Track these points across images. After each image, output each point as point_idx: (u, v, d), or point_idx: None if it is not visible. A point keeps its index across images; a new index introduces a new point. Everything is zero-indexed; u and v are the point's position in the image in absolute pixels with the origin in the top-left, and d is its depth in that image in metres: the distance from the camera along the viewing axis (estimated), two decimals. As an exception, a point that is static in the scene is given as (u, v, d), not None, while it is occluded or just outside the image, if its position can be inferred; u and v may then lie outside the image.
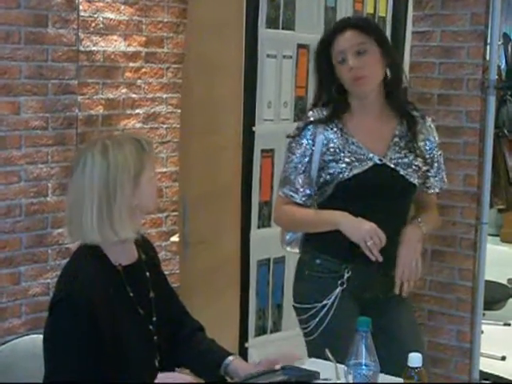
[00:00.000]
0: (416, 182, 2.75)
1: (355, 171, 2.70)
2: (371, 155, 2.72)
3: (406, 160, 2.74)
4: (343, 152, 2.72)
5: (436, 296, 3.82)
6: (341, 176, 2.71)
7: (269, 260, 3.77)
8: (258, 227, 3.71)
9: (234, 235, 3.64)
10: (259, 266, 3.73)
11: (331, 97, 2.78)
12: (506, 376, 4.67)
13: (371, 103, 2.76)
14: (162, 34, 3.89)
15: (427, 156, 2.79)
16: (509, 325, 5.77)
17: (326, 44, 2.75)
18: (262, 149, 3.69)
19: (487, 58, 3.76)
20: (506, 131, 5.21)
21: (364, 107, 2.77)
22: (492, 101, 3.75)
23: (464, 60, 3.74)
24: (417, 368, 2.00)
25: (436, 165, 2.83)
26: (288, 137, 2.85)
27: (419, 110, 2.85)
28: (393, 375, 2.22)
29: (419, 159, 2.76)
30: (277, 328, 3.79)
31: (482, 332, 3.97)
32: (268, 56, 3.68)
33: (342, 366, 2.11)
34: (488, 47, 3.77)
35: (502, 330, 5.68)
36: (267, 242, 3.63)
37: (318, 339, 2.74)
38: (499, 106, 5.07)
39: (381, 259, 2.65)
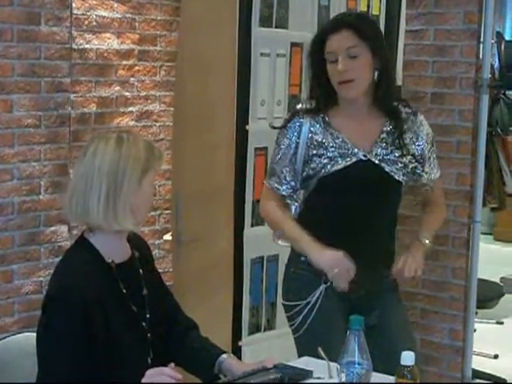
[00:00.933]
0: (401, 178, 2.74)
1: (337, 166, 2.71)
2: (356, 150, 2.72)
3: (391, 157, 2.73)
4: (327, 147, 2.73)
5: (429, 294, 3.82)
6: (323, 171, 2.72)
7: (262, 258, 3.77)
8: (252, 225, 3.71)
9: (228, 233, 3.64)
10: (253, 264, 3.74)
11: (321, 91, 2.77)
12: (498, 374, 4.68)
13: (359, 104, 2.76)
14: (155, 32, 3.88)
15: (417, 153, 2.79)
16: (501, 323, 5.78)
17: (320, 40, 2.74)
18: (256, 147, 3.69)
19: (480, 56, 3.76)
20: (499, 130, 5.22)
21: (352, 105, 2.77)
22: (485, 99, 3.75)
23: (457, 59, 3.74)
24: (409, 366, 2.01)
25: (429, 158, 2.83)
26: (274, 128, 2.89)
27: (412, 107, 2.85)
28: (384, 373, 2.22)
29: (407, 156, 2.76)
30: (270, 326, 3.79)
31: (475, 330, 3.97)
32: (261, 54, 3.68)
33: (335, 364, 2.11)
34: (481, 46, 3.77)
35: (495, 328, 5.70)
36: (261, 240, 3.63)
37: (303, 336, 2.75)
38: (492, 105, 5.07)
39: (347, 290, 2.66)
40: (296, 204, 2.84)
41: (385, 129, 2.76)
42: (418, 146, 2.80)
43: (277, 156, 2.81)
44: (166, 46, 3.93)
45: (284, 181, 2.79)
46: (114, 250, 2.21)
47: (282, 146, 2.79)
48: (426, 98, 3.79)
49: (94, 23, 3.67)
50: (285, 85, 3.80)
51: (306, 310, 2.73)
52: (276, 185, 2.80)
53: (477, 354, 4.42)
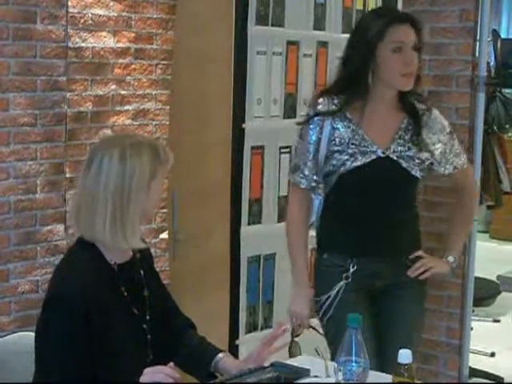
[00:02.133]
0: (418, 174, 2.79)
1: (357, 163, 2.75)
2: (375, 148, 2.76)
3: (409, 153, 2.78)
4: (348, 143, 2.77)
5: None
6: (343, 168, 2.76)
7: (259, 257, 3.76)
8: (248, 224, 3.71)
9: (224, 232, 3.64)
10: (249, 262, 3.73)
11: (355, 82, 2.75)
12: (495, 372, 4.69)
13: (389, 99, 2.80)
14: (152, 31, 3.87)
15: (433, 148, 2.82)
16: (498, 321, 5.79)
17: (383, 27, 2.72)
18: (252, 146, 3.68)
19: (477, 54, 3.77)
20: (495, 128, 5.23)
21: (381, 101, 2.79)
22: (481, 97, 3.76)
23: (453, 57, 3.75)
24: (406, 364, 2.01)
25: (449, 150, 2.85)
26: (298, 124, 2.90)
27: (427, 103, 2.88)
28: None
29: (424, 153, 2.80)
30: (267, 325, 3.79)
31: (472, 328, 3.98)
32: (258, 53, 3.67)
33: (332, 362, 2.10)
34: (477, 44, 3.77)
35: (492, 326, 5.70)
36: (257, 238, 3.64)
37: (325, 329, 2.86)
38: (488, 103, 5.08)
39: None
40: (320, 197, 2.90)
41: (403, 125, 2.80)
42: (435, 141, 2.83)
43: (299, 151, 2.86)
44: (162, 45, 3.92)
45: (306, 175, 2.84)
46: (117, 252, 2.21)
47: (305, 142, 2.82)
48: (423, 96, 3.78)
49: (90, 22, 3.65)
50: (281, 83, 3.80)
51: (326, 305, 2.81)
52: (299, 178, 2.86)
53: (473, 352, 4.42)
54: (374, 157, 2.75)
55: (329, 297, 2.80)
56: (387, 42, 2.71)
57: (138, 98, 3.84)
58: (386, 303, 2.83)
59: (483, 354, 4.97)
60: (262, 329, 3.79)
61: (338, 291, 2.78)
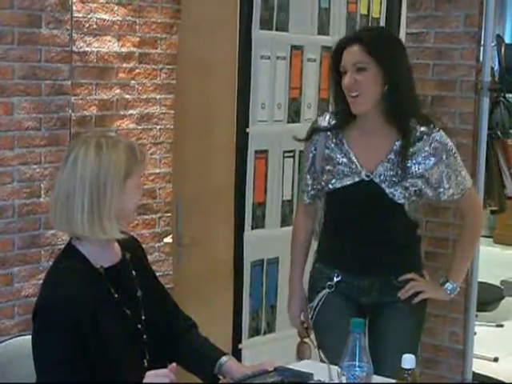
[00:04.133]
0: (402, 201, 2.72)
1: (340, 184, 2.76)
2: (360, 169, 2.74)
3: (395, 178, 2.71)
4: (336, 163, 2.78)
5: (429, 297, 3.82)
6: (328, 186, 2.79)
7: (262, 261, 3.76)
8: (252, 228, 3.70)
9: (228, 236, 3.63)
10: (253, 267, 3.73)
11: (340, 105, 2.80)
12: (498, 377, 4.68)
13: (371, 119, 2.76)
14: (156, 35, 3.88)
15: (426, 175, 2.73)
16: (501, 326, 5.78)
17: (336, 53, 2.79)
18: (256, 150, 3.68)
19: (481, 59, 3.77)
20: (499, 133, 5.22)
21: (365, 120, 2.77)
22: (485, 102, 3.76)
23: (457, 62, 3.75)
24: (409, 369, 2.00)
25: (446, 177, 2.76)
26: (297, 140, 2.96)
27: (430, 125, 2.76)
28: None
29: (411, 179, 2.72)
30: (270, 329, 3.79)
31: (475, 333, 3.97)
32: (262, 57, 3.67)
33: (336, 367, 2.11)
34: (481, 49, 3.77)
35: (495, 331, 5.69)
36: (261, 242, 3.63)
37: (315, 335, 2.91)
38: (492, 108, 5.07)
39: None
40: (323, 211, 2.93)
41: (394, 148, 2.74)
42: (429, 168, 2.74)
43: (304, 167, 2.96)
44: (166, 49, 3.93)
45: (308, 190, 2.92)
46: (103, 255, 2.20)
47: (305, 158, 2.93)
48: (427, 101, 3.79)
49: (95, 26, 3.67)
50: (285, 88, 3.80)
51: (310, 312, 2.89)
52: (301, 193, 2.98)
53: (477, 357, 4.41)
54: (357, 179, 2.74)
55: (312, 305, 2.87)
56: (341, 68, 2.75)
57: (142, 102, 3.86)
58: (374, 321, 2.80)
59: (486, 359, 4.96)
60: (265, 333, 3.79)
61: (320, 299, 2.83)
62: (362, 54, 2.69)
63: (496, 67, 5.48)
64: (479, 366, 4.52)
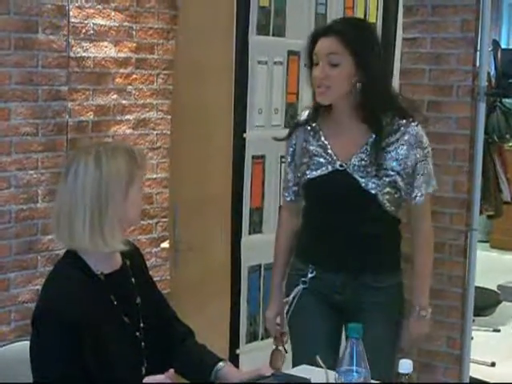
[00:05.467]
0: (375, 191, 2.70)
1: (313, 174, 2.75)
2: (335, 160, 2.74)
3: (369, 169, 2.70)
4: (313, 155, 2.77)
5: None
6: (303, 178, 2.78)
7: (260, 266, 3.77)
8: (249, 233, 3.71)
9: (225, 241, 3.64)
10: (250, 272, 3.73)
11: (313, 97, 2.79)
12: (495, 382, 4.68)
13: (345, 112, 2.75)
14: (153, 41, 3.88)
15: (398, 168, 2.72)
16: (498, 331, 5.78)
17: (312, 41, 2.74)
18: (253, 155, 3.69)
19: (477, 64, 3.77)
20: (495, 137, 5.24)
21: (340, 113, 2.76)
22: (482, 107, 3.76)
23: (454, 66, 3.75)
24: (407, 374, 2.00)
25: (418, 174, 2.75)
26: (276, 139, 2.93)
27: (409, 118, 2.75)
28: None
29: (385, 170, 2.71)
30: (268, 334, 3.78)
31: (472, 338, 3.97)
32: (259, 62, 3.68)
33: (333, 372, 2.10)
34: (478, 54, 3.78)
35: (492, 336, 5.69)
36: (258, 248, 3.64)
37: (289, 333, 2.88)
38: (489, 113, 5.09)
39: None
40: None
41: (370, 140, 2.73)
42: (401, 160, 2.72)
43: (286, 164, 2.93)
44: (163, 55, 3.93)
45: (288, 186, 2.90)
46: (103, 261, 2.20)
47: (287, 155, 2.90)
48: (423, 105, 3.79)
49: (92, 31, 3.67)
50: (282, 93, 3.81)
51: (285, 309, 2.84)
52: (284, 191, 2.94)
53: (474, 362, 4.41)
54: (330, 169, 2.73)
55: (287, 301, 2.84)
56: (313, 55, 2.72)
57: (139, 107, 3.85)
58: (348, 321, 2.61)
59: (484, 364, 4.96)
60: (262, 338, 3.79)
61: (295, 296, 2.81)
62: (339, 46, 2.66)
63: (492, 72, 5.49)
64: (476, 371, 4.52)
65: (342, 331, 2.83)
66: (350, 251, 2.74)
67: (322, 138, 2.77)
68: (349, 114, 2.75)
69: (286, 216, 2.94)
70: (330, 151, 2.75)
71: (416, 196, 2.78)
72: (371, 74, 2.68)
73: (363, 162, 2.71)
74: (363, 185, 2.70)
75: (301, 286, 2.80)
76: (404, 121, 2.75)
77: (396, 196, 2.76)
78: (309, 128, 2.80)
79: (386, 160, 2.71)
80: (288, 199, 2.91)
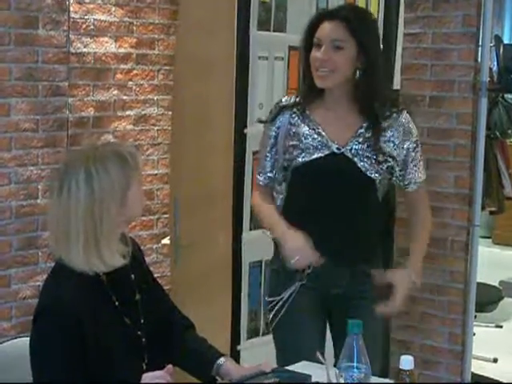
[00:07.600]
0: (374, 175, 2.70)
1: (309, 158, 2.70)
2: (330, 143, 2.70)
3: (366, 153, 2.69)
4: (302, 138, 2.72)
5: (427, 298, 3.81)
6: (295, 162, 2.72)
7: (261, 262, 3.76)
8: (250, 229, 3.70)
9: (226, 237, 3.63)
10: (251, 268, 3.73)
11: (307, 80, 2.76)
12: (497, 378, 4.67)
13: (336, 96, 2.74)
14: (153, 36, 3.88)
15: (395, 153, 2.73)
16: (501, 327, 5.78)
17: (314, 24, 2.73)
18: (254, 150, 3.68)
19: (479, 59, 3.76)
20: (497, 133, 5.22)
21: (330, 97, 2.74)
22: (484, 103, 3.74)
23: (456, 62, 3.73)
24: (408, 370, 2.00)
25: (411, 160, 2.78)
26: (261, 122, 2.88)
27: (401, 106, 2.81)
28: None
29: (382, 155, 2.71)
30: (269, 330, 3.78)
31: (474, 334, 3.96)
32: (259, 58, 3.68)
33: (334, 368, 2.10)
34: (480, 49, 3.76)
35: (494, 331, 5.69)
36: (259, 244, 3.62)
37: (274, 332, 2.82)
38: (491, 108, 5.07)
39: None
40: (281, 196, 2.83)
41: (364, 125, 2.73)
42: (397, 146, 2.74)
43: (261, 148, 2.86)
44: (163, 50, 3.93)
45: (263, 171, 2.83)
46: None
47: (265, 138, 2.82)
48: (425, 101, 3.78)
49: (92, 27, 3.66)
50: (283, 88, 3.80)
51: (278, 306, 2.75)
52: (258, 176, 2.87)
53: (476, 358, 4.40)
54: (327, 152, 2.69)
55: (281, 298, 2.74)
56: (314, 39, 2.70)
57: (139, 103, 3.85)
58: (341, 313, 2.67)
59: (486, 360, 4.95)
60: (263, 334, 3.78)
61: (291, 294, 2.73)
62: (345, 33, 2.66)
63: (494, 67, 5.47)
64: (478, 367, 4.52)
65: (327, 328, 2.82)
66: (343, 237, 2.69)
67: (313, 121, 2.74)
68: (342, 100, 2.73)
69: (262, 198, 2.85)
70: (324, 134, 2.71)
71: (410, 182, 2.80)
72: (372, 63, 2.69)
73: (361, 146, 2.70)
74: (362, 169, 2.69)
75: (298, 283, 2.73)
76: (395, 109, 2.78)
77: (388, 182, 2.78)
78: (296, 111, 2.76)
79: (382, 145, 2.71)
80: (263, 184, 2.83)
